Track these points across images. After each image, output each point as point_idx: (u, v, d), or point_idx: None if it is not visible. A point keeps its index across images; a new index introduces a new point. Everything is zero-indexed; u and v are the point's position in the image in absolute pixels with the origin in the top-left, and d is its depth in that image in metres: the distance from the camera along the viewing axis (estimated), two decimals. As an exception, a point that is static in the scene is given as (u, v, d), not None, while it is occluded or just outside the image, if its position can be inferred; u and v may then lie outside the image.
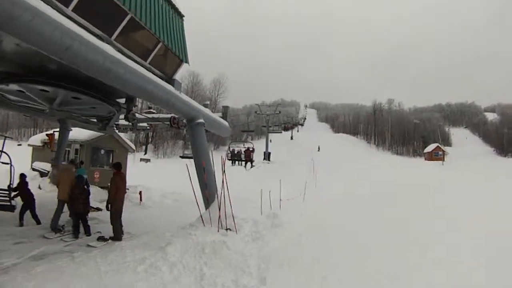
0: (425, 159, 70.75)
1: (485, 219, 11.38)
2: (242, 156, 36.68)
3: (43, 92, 8.38)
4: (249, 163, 36.10)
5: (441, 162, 56.63)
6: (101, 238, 8.52)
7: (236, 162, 36.70)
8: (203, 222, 8.72)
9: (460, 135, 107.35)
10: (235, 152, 37.51)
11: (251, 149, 36.31)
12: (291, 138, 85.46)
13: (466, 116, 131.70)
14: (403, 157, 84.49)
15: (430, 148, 74.37)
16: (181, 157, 15.45)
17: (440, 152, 67.40)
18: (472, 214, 12.14)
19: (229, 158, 36.33)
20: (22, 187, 9.96)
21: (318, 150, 68.81)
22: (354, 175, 29.48)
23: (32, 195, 10.02)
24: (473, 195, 16.98)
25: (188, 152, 15.25)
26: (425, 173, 33.87)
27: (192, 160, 10.56)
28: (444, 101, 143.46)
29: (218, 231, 8.37)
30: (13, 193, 9.56)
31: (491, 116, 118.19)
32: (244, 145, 38.27)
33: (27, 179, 10.27)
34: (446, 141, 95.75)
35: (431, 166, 47.66)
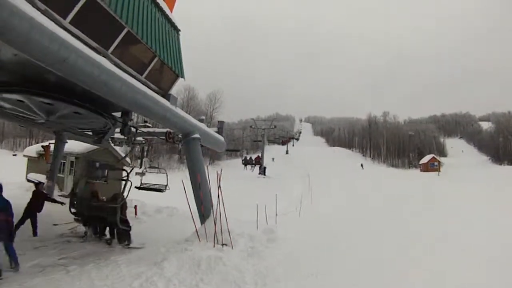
0: (421, 171, 70.58)
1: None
2: (253, 161, 51.08)
3: (44, 104, 8.33)
4: (257, 166, 49.27)
5: (436, 173, 56.70)
6: None
7: (248, 166, 51.02)
8: (198, 237, 8.65)
9: (455, 146, 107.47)
10: (247, 158, 53.33)
11: (260, 156, 51.06)
12: (287, 152, 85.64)
13: (461, 126, 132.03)
14: (398, 169, 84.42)
15: (426, 159, 74.05)
16: (137, 188, 14.38)
17: (436, 163, 67.19)
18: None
19: (243, 163, 51.95)
20: (41, 196, 10.02)
21: (362, 168, 68.96)
22: (348, 189, 29.42)
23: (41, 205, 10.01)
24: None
25: (146, 182, 14.27)
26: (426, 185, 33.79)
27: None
28: (438, 112, 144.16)
29: (213, 246, 8.29)
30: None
31: (486, 125, 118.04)
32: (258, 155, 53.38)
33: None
34: (442, 152, 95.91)
35: (427, 177, 47.47)
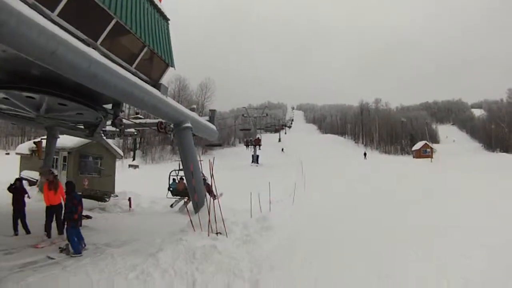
0: (413, 157, 70.53)
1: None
2: (253, 142, 53.24)
3: (29, 99, 8.26)
4: (257, 146, 51.50)
5: (429, 159, 56.85)
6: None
7: (249, 146, 54.14)
8: (193, 227, 8.68)
9: (447, 132, 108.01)
10: (248, 140, 56.09)
11: (259, 138, 54.48)
12: (279, 140, 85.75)
13: (453, 113, 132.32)
14: (391, 155, 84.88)
15: (418, 146, 73.76)
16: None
17: (428, 150, 67.19)
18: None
19: (245, 144, 56.16)
20: (19, 193, 9.86)
21: (365, 158, 65.55)
22: (341, 177, 29.40)
23: (24, 202, 9.88)
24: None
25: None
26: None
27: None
28: (430, 99, 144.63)
29: (208, 235, 8.33)
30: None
31: (478, 112, 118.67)
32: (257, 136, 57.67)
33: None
34: (434, 138, 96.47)
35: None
